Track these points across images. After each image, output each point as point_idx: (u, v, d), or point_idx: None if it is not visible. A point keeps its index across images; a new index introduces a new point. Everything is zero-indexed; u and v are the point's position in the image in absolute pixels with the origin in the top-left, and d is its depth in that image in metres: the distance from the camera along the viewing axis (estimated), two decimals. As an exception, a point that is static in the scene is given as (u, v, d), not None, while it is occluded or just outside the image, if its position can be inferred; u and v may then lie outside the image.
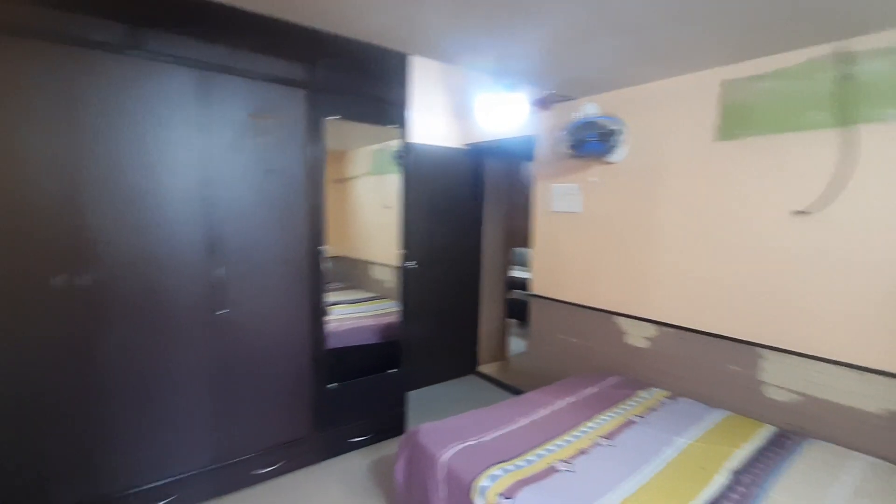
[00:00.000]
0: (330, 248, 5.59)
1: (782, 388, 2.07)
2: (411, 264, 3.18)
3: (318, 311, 2.50)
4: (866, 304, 1.84)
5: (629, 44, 1.99)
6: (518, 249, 5.97)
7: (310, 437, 2.53)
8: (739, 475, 1.66)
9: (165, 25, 1.92)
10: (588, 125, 2.41)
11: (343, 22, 1.93)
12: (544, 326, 3.20)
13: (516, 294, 4.84)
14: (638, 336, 2.62)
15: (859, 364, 1.87)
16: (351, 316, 3.94)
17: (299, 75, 2.28)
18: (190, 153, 2.03)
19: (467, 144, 3.81)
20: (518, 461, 1.70)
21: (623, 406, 2.23)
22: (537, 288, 3.26)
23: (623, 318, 2.69)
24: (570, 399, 2.31)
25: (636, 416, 2.13)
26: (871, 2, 1.57)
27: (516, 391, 3.67)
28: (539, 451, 1.79)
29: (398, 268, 4.52)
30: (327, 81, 2.36)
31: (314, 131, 2.35)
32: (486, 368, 4.25)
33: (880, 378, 1.81)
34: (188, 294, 2.06)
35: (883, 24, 1.73)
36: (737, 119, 2.17)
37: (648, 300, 2.56)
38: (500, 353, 4.41)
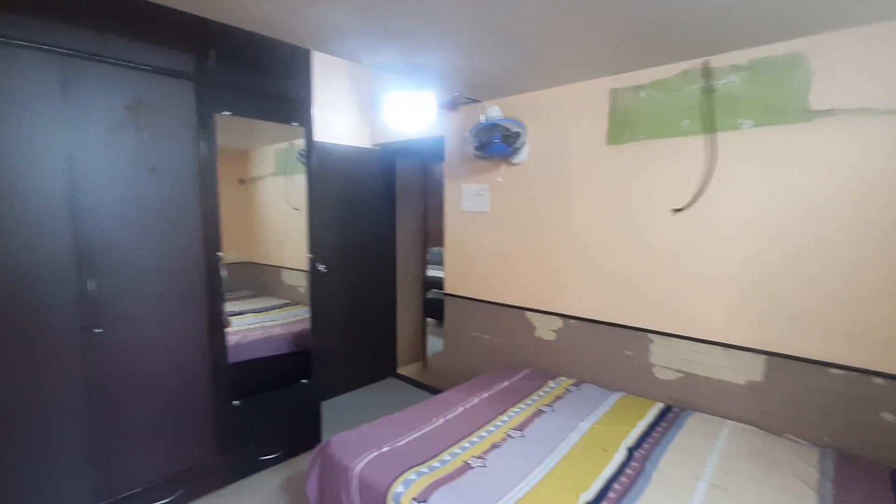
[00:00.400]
0: (235, 254, 5.24)
1: (667, 367, 2.30)
2: (321, 268, 3.05)
3: (217, 324, 2.31)
4: (732, 289, 2.10)
5: (521, 55, 2.08)
6: (435, 249, 6.03)
7: (214, 460, 2.33)
8: (634, 451, 1.81)
9: (21, 6, 1.66)
10: (492, 127, 2.49)
11: (234, 12, 1.79)
12: (459, 325, 3.26)
13: (433, 293, 4.88)
14: (546, 329, 2.76)
15: (727, 342, 2.13)
16: (258, 326, 3.71)
17: (186, 66, 2.09)
18: (54, 151, 1.77)
19: (377, 144, 3.76)
20: (433, 462, 1.70)
21: (533, 397, 2.33)
22: (451, 287, 3.30)
23: (532, 313, 2.82)
24: (484, 395, 2.37)
25: (545, 405, 2.24)
26: (723, 25, 1.78)
27: (436, 391, 3.69)
28: (453, 449, 1.81)
29: (308, 272, 4.33)
30: (219, 74, 2.19)
31: (205, 128, 2.16)
32: (405, 370, 4.23)
33: (744, 353, 2.07)
34: (53, 313, 1.79)
35: (735, 45, 1.97)
36: (623, 125, 2.36)
37: (555, 295, 2.71)
38: (420, 354, 4.41)
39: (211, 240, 2.22)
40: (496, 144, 2.48)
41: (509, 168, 2.82)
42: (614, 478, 1.64)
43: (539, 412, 2.17)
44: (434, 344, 4.81)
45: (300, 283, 4.63)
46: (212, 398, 2.31)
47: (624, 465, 1.72)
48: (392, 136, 3.59)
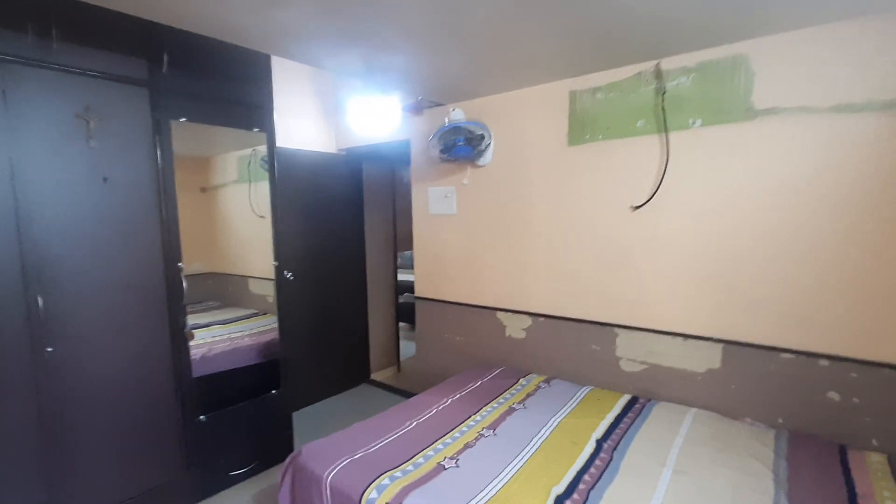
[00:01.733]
0: (199, 265, 5.08)
1: (633, 360, 2.37)
2: (289, 275, 3.00)
3: (179, 337, 2.24)
4: (689, 282, 2.19)
5: (481, 56, 2.11)
6: (406, 253, 6.01)
7: (181, 477, 2.25)
8: (602, 442, 1.86)
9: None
10: (456, 130, 2.51)
11: (185, 16, 1.75)
12: (431, 328, 3.26)
13: (405, 297, 4.87)
14: (516, 328, 2.80)
15: (687, 332, 2.21)
16: (225, 337, 3.62)
17: (139, 73, 2.02)
18: (-4, 161, 1.68)
19: (343, 149, 3.73)
20: (406, 466, 1.70)
21: (505, 395, 2.36)
22: (421, 290, 3.31)
23: (503, 313, 2.85)
24: (457, 395, 2.38)
25: (517, 403, 2.27)
26: (672, 29, 1.87)
27: (411, 395, 3.68)
28: (427, 452, 1.81)
29: (274, 280, 4.27)
30: (174, 80, 2.13)
31: (161, 135, 2.09)
32: (379, 376, 4.20)
33: (702, 343, 2.17)
34: (-1, 334, 1.69)
35: (684, 47, 2.07)
36: (582, 126, 2.43)
37: (523, 294, 2.75)
38: (393, 359, 4.39)
39: (170, 250, 2.16)
40: (460, 147, 2.51)
41: (475, 170, 2.86)
42: (584, 470, 1.68)
43: (511, 410, 2.20)
44: (407, 348, 4.79)
45: (268, 292, 4.54)
46: (176, 414, 2.24)
47: (593, 456, 1.77)
48: (357, 141, 3.57)
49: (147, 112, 2.06)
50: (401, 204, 4.57)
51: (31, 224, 1.75)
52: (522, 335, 2.78)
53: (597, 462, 1.72)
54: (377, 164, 4.17)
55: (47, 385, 1.81)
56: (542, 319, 2.69)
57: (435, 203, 3.12)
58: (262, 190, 4.59)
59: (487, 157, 2.76)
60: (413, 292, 5.29)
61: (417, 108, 3.03)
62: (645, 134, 2.26)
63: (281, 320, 2.88)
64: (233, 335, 3.69)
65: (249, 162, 4.65)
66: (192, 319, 4.27)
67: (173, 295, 2.19)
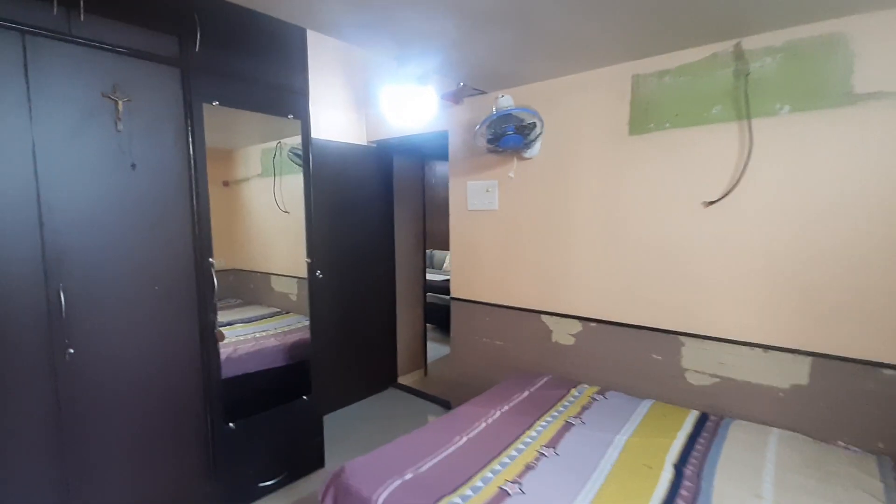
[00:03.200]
0: (221, 261, 4.98)
1: (701, 372, 2.15)
2: (318, 274, 2.83)
3: (209, 338, 2.07)
4: (767, 286, 1.96)
5: (535, 30, 1.90)
6: (428, 252, 5.81)
7: (205, 487, 2.09)
8: (681, 468, 1.65)
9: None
10: (506, 118, 2.31)
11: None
12: (467, 330, 3.07)
13: (430, 298, 4.67)
14: (564, 333, 2.59)
15: (764, 343, 1.99)
16: (249, 337, 3.47)
17: (170, 50, 1.86)
18: (15, 143, 1.52)
19: (373, 141, 3.55)
20: (464, 490, 1.51)
21: (558, 408, 2.16)
22: (457, 290, 3.11)
23: (548, 316, 2.65)
24: (504, 407, 2.18)
25: (572, 417, 2.07)
26: (755, 4, 1.65)
27: (443, 402, 3.50)
28: (485, 473, 1.61)
29: (305, 278, 4.13)
30: (207, 60, 1.96)
31: (193, 119, 1.93)
32: (406, 379, 4.02)
33: (786, 355, 1.94)
34: (15, 332, 1.54)
35: (770, 25, 1.84)
36: (646, 113, 2.21)
37: (572, 296, 2.54)
38: (420, 362, 4.21)
39: (202, 244, 2.00)
40: (510, 136, 2.31)
41: (521, 162, 2.65)
42: (670, 500, 1.47)
43: (568, 425, 1.99)
44: (433, 350, 4.60)
45: (291, 290, 4.39)
46: (203, 420, 2.07)
47: (675, 484, 1.55)
48: (389, 133, 3.39)
49: (179, 93, 1.90)
50: (429, 199, 4.39)
51: (52, 212, 1.60)
52: (571, 341, 2.57)
53: (682, 492, 1.51)
54: (408, 158, 3.99)
55: (67, 389, 1.65)
56: (593, 325, 2.47)
57: (475, 198, 2.93)
58: (289, 184, 4.43)
59: (535, 148, 2.55)
60: (435, 292, 5.10)
61: (457, 97, 2.84)
62: (722, 121, 2.03)
63: (313, 321, 2.69)
64: (256, 335, 3.54)
65: (275, 155, 4.50)
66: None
67: (203, 292, 2.02)
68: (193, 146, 1.94)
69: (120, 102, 1.73)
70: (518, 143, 2.34)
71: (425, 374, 4.21)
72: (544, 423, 2.01)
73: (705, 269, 2.10)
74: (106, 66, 1.70)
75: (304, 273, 4.22)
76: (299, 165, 3.96)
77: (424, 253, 4.21)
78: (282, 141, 4.36)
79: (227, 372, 2.67)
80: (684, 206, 2.13)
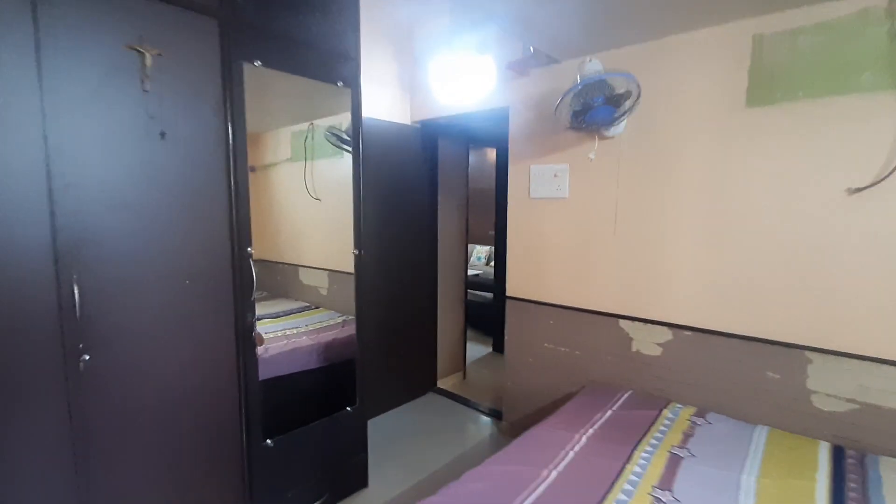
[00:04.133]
0: (251, 251, 4.63)
1: (834, 396, 1.77)
2: (357, 251, 2.50)
3: (246, 342, 1.77)
4: (931, 294, 1.58)
5: None
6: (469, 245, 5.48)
7: (241, 516, 1.80)
8: (845, 526, 1.29)
9: None
10: (595, 86, 1.94)
11: None
12: (525, 334, 2.72)
13: (471, 295, 4.33)
14: (648, 342, 2.23)
15: (921, 364, 1.60)
16: (280, 334, 3.19)
17: (206, -2, 1.54)
18: (21, 105, 1.22)
19: (417, 121, 3.21)
20: (578, 552, 1.17)
21: (655, 435, 1.81)
22: (514, 289, 2.77)
23: (628, 322, 2.29)
24: (588, 431, 1.84)
25: (676, 447, 1.71)
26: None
27: (488, 411, 3.17)
28: (596, 526, 1.28)
29: (338, 271, 3.82)
30: (249, 13, 1.64)
31: (232, 80, 1.61)
32: (446, 383, 3.70)
33: (958, 381, 1.55)
34: (21, 334, 1.24)
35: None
36: (771, 81, 1.82)
37: (660, 299, 2.18)
38: (460, 364, 3.88)
39: (240, 230, 1.69)
40: (599, 109, 1.94)
41: (601, 142, 2.28)
42: (857, 579, 1.11)
43: (675, 458, 1.64)
44: (470, 351, 4.27)
45: (321, 283, 4.10)
46: (239, 436, 1.78)
47: (853, 553, 1.19)
48: (437, 111, 3.04)
49: (216, 50, 1.58)
50: (474, 187, 4.05)
51: (66, 190, 1.30)
52: (657, 351, 2.21)
53: (868, 565, 1.15)
54: (452, 141, 3.63)
55: (82, 404, 1.36)
56: (687, 333, 2.11)
57: (539, 184, 2.57)
58: (321, 169, 4.13)
59: (620, 125, 2.18)
60: (472, 289, 4.77)
61: (524, 67, 2.47)
62: (873, 91, 1.64)
63: (359, 319, 2.38)
64: (288, 332, 3.25)
65: (306, 137, 4.20)
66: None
67: (241, 287, 1.72)
68: (232, 112, 1.62)
69: (148, 55, 1.42)
70: (609, 116, 1.97)
71: (464, 377, 3.89)
72: (646, 455, 1.66)
73: (847, 270, 1.72)
74: (131, 12, 1.38)
75: (336, 265, 3.91)
76: (336, 147, 3.64)
77: (466, 247, 3.87)
78: (314, 122, 4.05)
79: (261, 374, 2.39)
80: (821, 193, 1.75)
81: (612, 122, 2.04)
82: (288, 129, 4.28)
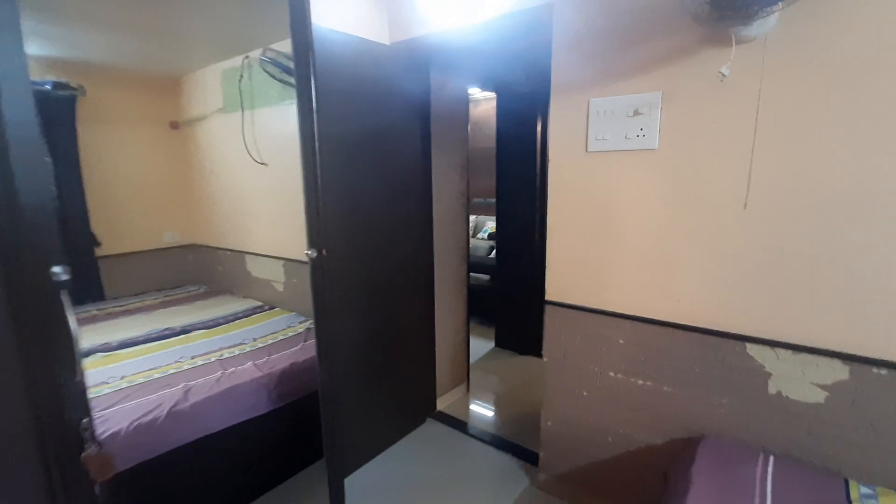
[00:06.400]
0: (173, 234, 3.77)
1: None
2: (313, 253, 1.53)
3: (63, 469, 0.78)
4: None
5: None
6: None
7: None
8: None
9: None
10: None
11: None
12: (576, 357, 1.84)
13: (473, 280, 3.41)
14: (800, 381, 1.38)
15: None
16: (213, 361, 2.22)
17: None
18: None
19: (399, 41, 2.15)
20: None
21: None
22: (556, 290, 1.86)
23: (764, 348, 1.43)
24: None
25: None
26: None
27: (519, 451, 2.31)
28: None
29: (294, 260, 2.88)
30: None
31: None
32: (447, 402, 2.84)
33: None
34: None
35: None
36: None
37: (829, 315, 1.32)
38: (462, 374, 3.00)
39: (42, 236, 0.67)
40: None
41: (737, 49, 1.34)
42: None
43: None
44: (475, 347, 3.40)
45: (275, 276, 3.11)
46: None
47: None
48: (429, 25, 2.01)
49: None
50: (474, 139, 3.07)
51: None
52: (818, 397, 1.37)
53: None
54: (450, 74, 2.61)
55: None
56: (881, 372, 1.27)
57: (605, 129, 1.62)
58: (264, 121, 3.04)
59: (770, 19, 1.24)
60: (473, 270, 3.84)
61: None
62: None
63: (321, 338, 1.43)
64: (224, 355, 2.29)
65: (241, 76, 3.12)
66: (165, 316, 2.86)
67: (31, 351, 0.72)
68: None
69: None
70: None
71: (468, 388, 3.04)
72: None
73: None
74: None
75: (293, 253, 2.91)
76: (279, 80, 2.56)
77: (468, 221, 2.92)
78: (249, 55, 2.98)
79: (164, 442, 1.52)
80: None
81: (762, 13, 1.08)
82: (218, 67, 3.13)
